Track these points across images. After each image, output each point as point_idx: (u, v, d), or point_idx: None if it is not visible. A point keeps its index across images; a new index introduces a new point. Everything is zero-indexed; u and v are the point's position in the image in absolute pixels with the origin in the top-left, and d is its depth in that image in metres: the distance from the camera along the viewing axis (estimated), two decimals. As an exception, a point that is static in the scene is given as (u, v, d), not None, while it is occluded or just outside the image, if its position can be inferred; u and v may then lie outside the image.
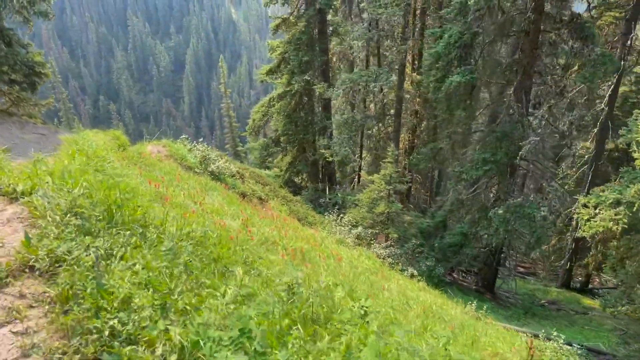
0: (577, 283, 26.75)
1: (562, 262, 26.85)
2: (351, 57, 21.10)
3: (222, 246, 5.40)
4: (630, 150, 11.69)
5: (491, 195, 17.62)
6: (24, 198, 4.79)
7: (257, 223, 10.66)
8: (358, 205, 19.49)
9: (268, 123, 26.24)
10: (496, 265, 19.95)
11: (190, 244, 4.86)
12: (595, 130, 22.40)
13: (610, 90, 21.28)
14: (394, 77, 17.92)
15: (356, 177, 29.25)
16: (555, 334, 10.61)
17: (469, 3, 14.08)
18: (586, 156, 24.01)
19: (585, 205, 12.99)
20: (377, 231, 18.38)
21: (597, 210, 12.30)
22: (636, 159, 11.40)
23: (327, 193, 24.29)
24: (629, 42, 21.10)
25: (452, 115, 15.78)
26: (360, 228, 18.00)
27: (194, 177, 14.67)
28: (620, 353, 13.33)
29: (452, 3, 14.50)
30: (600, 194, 12.59)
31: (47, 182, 5.00)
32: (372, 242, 17.63)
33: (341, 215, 19.61)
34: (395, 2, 17.37)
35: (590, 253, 24.43)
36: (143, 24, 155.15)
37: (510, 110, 15.76)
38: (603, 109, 21.52)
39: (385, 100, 22.99)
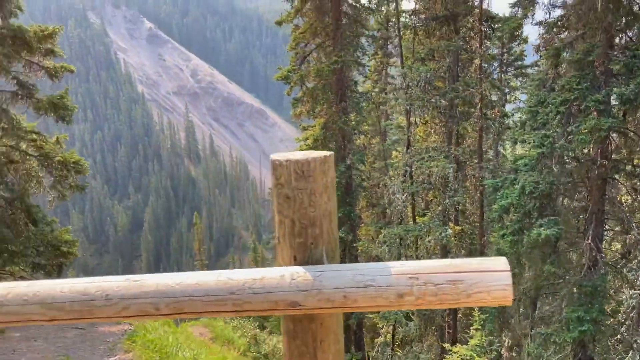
0: None
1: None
2: (388, 211, 20.34)
3: None
4: None
5: None
6: None
7: None
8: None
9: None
10: None
11: None
12: None
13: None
14: (450, 231, 16.84)
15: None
16: None
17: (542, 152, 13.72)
18: None
19: None
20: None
21: None
22: None
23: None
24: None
25: (541, 271, 14.60)
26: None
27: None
28: None
29: (528, 153, 14.16)
30: None
31: None
32: None
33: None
34: (444, 154, 16.95)
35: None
36: (101, 186, 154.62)
37: (592, 261, 14.77)
38: None
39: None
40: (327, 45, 20.01)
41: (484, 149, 18.42)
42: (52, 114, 13.00)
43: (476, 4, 17.08)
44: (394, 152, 24.01)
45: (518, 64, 25.08)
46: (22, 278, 13.77)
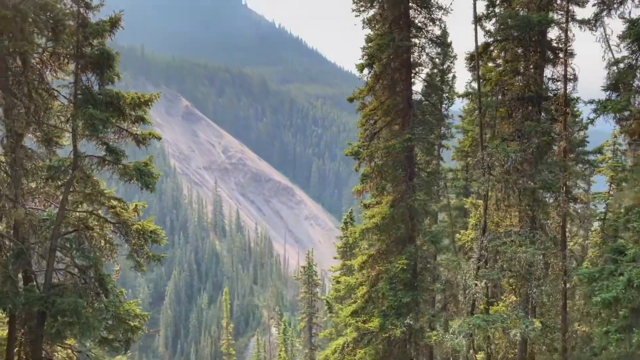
0: None
1: None
2: (461, 298, 18.99)
3: None
4: None
5: None
6: None
7: None
8: None
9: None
10: None
11: None
12: None
13: None
14: (537, 324, 15.44)
15: None
16: None
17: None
18: None
19: None
20: None
21: None
22: None
23: None
24: None
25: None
26: None
27: None
28: None
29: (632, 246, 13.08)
30: None
31: None
32: None
33: None
34: (529, 239, 15.90)
35: None
36: (126, 257, 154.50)
37: None
38: None
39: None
40: (397, 122, 19.80)
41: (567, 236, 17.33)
42: (137, 181, 12.63)
43: (560, 85, 16.79)
44: (457, 234, 22.99)
45: (579, 150, 24.45)
46: (79, 352, 12.93)
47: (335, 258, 43.74)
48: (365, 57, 18.86)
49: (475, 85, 25.38)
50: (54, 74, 13.31)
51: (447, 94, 22.88)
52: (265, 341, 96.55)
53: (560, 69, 17.69)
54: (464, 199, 25.44)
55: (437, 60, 19.28)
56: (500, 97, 18.06)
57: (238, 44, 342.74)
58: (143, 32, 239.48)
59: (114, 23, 12.15)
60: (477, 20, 17.15)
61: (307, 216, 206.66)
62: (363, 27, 20.35)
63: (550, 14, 16.50)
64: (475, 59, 16.79)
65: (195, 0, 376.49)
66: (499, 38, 19.01)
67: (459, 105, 31.69)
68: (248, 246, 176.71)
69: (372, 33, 19.78)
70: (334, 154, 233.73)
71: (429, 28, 19.26)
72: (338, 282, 40.57)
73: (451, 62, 24.14)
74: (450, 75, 23.91)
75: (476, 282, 17.15)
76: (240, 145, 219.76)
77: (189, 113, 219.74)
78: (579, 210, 17.07)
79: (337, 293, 40.16)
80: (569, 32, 16.72)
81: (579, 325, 20.38)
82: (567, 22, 16.64)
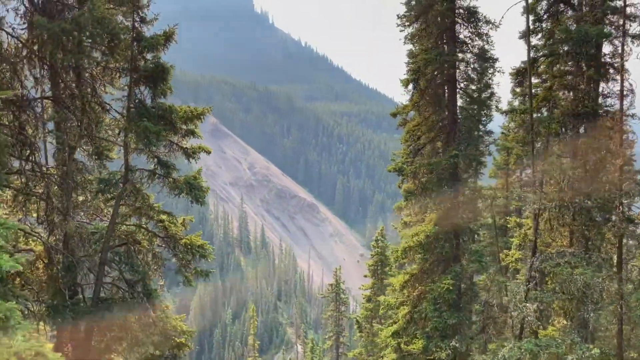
0: None
1: None
2: (510, 321, 18.23)
3: None
4: None
5: None
6: None
7: None
8: None
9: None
10: None
11: None
12: None
13: None
14: (596, 350, 14.63)
15: None
16: None
17: None
18: None
19: None
20: None
21: None
22: None
23: None
24: None
25: None
26: None
27: None
28: None
29: None
30: None
31: None
32: None
33: None
34: (585, 261, 15.18)
35: None
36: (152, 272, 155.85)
37: None
38: None
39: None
40: (441, 139, 19.40)
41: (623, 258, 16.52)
42: (187, 195, 12.49)
43: (615, 101, 16.20)
44: (500, 254, 22.26)
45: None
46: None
47: (365, 276, 43.06)
48: (410, 72, 18.58)
49: (516, 102, 24.90)
50: (103, 88, 13.40)
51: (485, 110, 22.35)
52: (292, 359, 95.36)
53: (613, 84, 17.13)
54: (507, 217, 24.74)
55: (483, 75, 18.85)
56: (548, 112, 17.56)
57: (265, 63, 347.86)
58: (173, 51, 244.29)
59: (168, 37, 12.17)
60: (527, 34, 16.74)
61: (332, 233, 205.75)
62: (405, 43, 20.17)
63: (607, 28, 16.01)
64: (528, 73, 16.32)
65: (226, 22, 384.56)
66: (547, 53, 18.60)
67: (498, 122, 31.11)
68: (272, 262, 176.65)
69: (415, 48, 19.54)
70: (358, 171, 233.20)
71: (475, 43, 18.93)
72: (369, 300, 39.81)
73: (489, 79, 23.67)
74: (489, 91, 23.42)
75: (527, 304, 16.45)
76: (265, 161, 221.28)
77: (216, 130, 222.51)
78: (638, 231, 16.27)
79: (367, 312, 39.40)
80: (625, 47, 16.16)
81: (635, 354, 19.35)
82: (623, 36, 16.09)
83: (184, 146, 12.97)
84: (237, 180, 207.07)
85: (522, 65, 19.58)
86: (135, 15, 12.15)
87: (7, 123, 12.07)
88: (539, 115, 16.74)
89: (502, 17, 16.90)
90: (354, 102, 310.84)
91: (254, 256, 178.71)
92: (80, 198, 13.49)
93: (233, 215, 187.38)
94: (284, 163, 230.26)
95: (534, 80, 19.24)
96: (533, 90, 18.58)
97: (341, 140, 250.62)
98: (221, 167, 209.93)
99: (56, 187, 12.56)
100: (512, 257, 22.36)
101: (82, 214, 13.90)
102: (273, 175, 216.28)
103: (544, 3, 19.04)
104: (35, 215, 12.25)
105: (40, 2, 12.13)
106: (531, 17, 18.20)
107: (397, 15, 19.21)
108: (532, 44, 18.74)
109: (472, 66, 19.35)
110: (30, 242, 12.62)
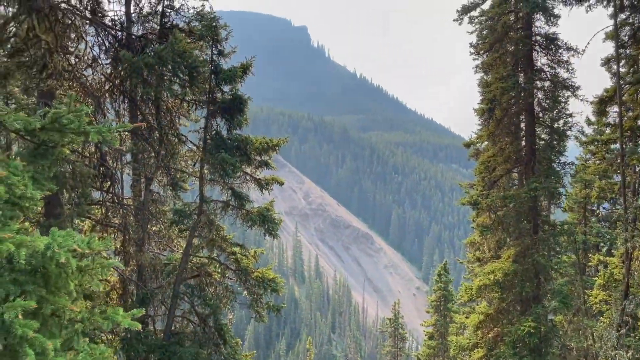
0: None
1: None
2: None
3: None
4: None
5: None
6: None
7: None
8: None
9: None
10: None
11: None
12: None
13: None
14: None
15: None
16: None
17: None
18: None
19: None
20: None
21: None
22: None
23: None
24: None
25: None
26: None
27: None
28: None
29: None
30: None
31: None
32: None
33: None
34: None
35: None
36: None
37: None
38: None
39: None
40: (518, 170, 18.38)
41: None
42: (260, 227, 12.21)
43: None
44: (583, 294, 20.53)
45: None
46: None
47: (427, 312, 41.41)
48: (485, 102, 17.83)
49: (589, 131, 23.44)
50: (178, 120, 13.54)
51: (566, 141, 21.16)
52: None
53: None
54: (588, 254, 23.00)
55: (565, 103, 17.80)
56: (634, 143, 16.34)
57: (321, 94, 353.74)
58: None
59: (245, 69, 12.16)
60: (617, 59, 15.70)
61: (387, 265, 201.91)
62: (476, 72, 19.56)
63: None
64: (618, 101, 15.21)
65: (286, 57, 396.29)
66: (632, 80, 17.48)
67: (571, 153, 29.46)
68: (326, 293, 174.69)
69: (488, 77, 18.86)
70: (414, 201, 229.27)
71: (555, 70, 17.98)
72: (431, 338, 38.12)
73: (567, 107, 22.51)
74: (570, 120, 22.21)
75: (619, 351, 14.91)
76: (320, 191, 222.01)
77: (273, 159, 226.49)
78: None
79: (430, 350, 37.70)
80: None
81: None
82: None
83: (257, 177, 12.79)
84: (292, 210, 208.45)
85: (605, 94, 18.46)
86: (213, 49, 12.25)
87: (88, 155, 12.36)
88: (628, 145, 15.51)
89: (588, 44, 15.96)
90: (410, 132, 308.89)
91: (308, 286, 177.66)
92: (154, 229, 13.54)
93: (287, 244, 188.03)
94: (338, 193, 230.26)
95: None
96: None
97: (396, 170, 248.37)
98: (277, 196, 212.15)
99: (132, 217, 12.65)
100: (596, 298, 20.60)
101: (154, 244, 13.94)
102: (327, 205, 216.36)
103: (627, 29, 18.02)
104: (112, 246, 12.33)
105: (123, 37, 12.49)
106: (612, 44, 17.24)
107: (470, 44, 18.66)
108: (613, 70, 17.70)
109: (551, 95, 18.37)
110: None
